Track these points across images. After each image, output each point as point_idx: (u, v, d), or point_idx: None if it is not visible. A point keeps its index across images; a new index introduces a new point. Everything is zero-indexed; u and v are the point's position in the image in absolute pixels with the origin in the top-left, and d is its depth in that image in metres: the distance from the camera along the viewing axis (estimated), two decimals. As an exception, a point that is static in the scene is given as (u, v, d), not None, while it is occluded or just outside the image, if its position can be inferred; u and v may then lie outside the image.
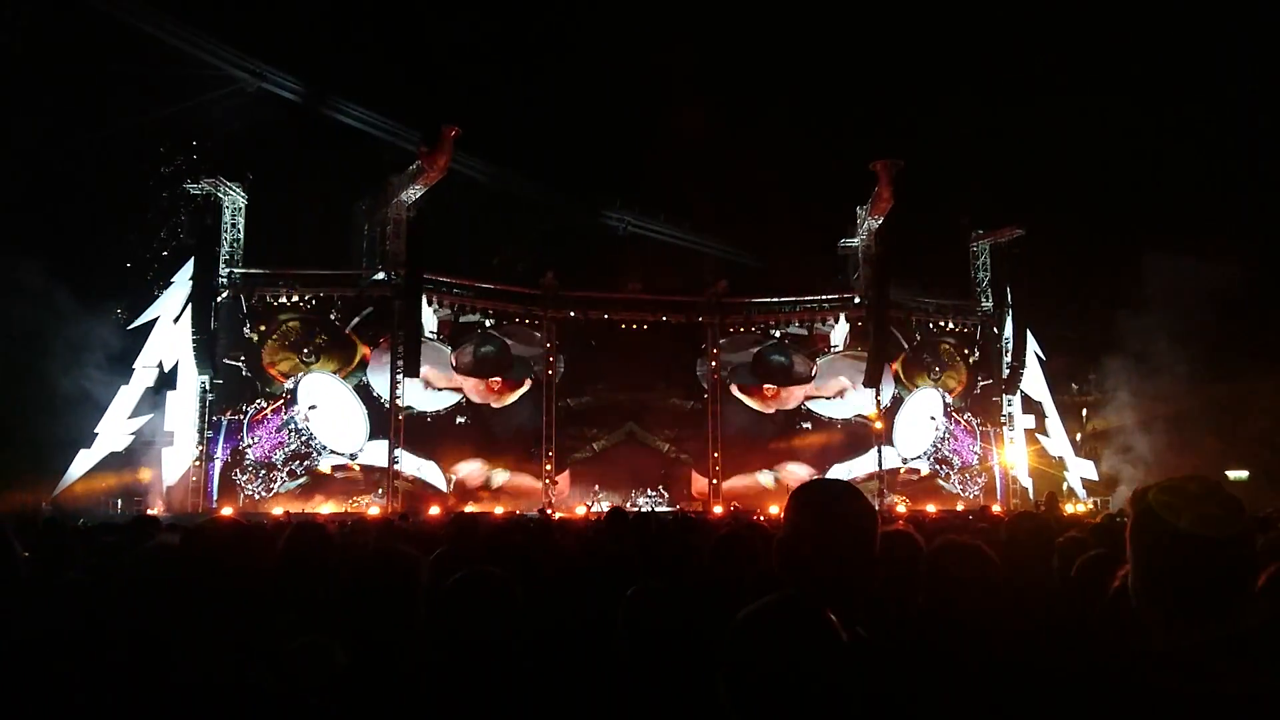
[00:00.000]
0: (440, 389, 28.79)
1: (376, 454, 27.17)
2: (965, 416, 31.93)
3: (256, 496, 25.73)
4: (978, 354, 32.39)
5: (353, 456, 27.03)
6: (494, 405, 29.62)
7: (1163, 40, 29.33)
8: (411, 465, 27.67)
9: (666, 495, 29.21)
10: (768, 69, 31.25)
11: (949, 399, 31.79)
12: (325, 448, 26.86)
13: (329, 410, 27.08)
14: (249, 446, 26.19)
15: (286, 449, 26.50)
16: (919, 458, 31.36)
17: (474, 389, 29.41)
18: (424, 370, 27.61)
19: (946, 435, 31.67)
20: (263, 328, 26.86)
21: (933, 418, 31.68)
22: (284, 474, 26.36)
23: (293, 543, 3.28)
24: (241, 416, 26.27)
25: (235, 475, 25.94)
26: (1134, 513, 1.89)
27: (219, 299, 26.26)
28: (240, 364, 26.53)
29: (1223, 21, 29.03)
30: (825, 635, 1.59)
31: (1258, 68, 29.24)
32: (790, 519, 2.27)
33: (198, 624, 2.51)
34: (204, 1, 26.86)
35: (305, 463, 26.66)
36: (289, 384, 26.78)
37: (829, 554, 2.20)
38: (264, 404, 26.52)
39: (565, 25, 31.17)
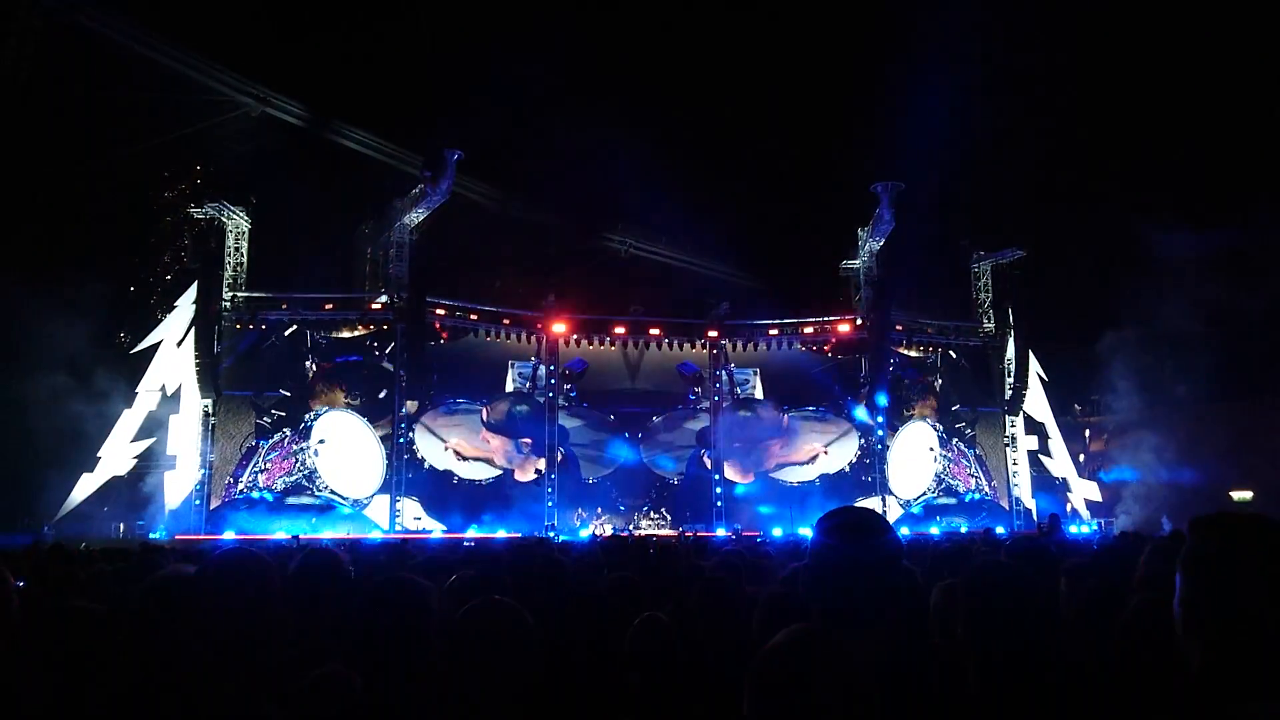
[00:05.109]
0: (469, 458, 28.43)
1: (382, 509, 26.83)
2: (955, 442, 31.67)
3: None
4: (940, 379, 32.15)
5: (358, 504, 26.70)
6: (519, 478, 28.98)
7: (1165, 55, 29.49)
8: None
9: (669, 518, 29.11)
10: (769, 91, 31.42)
11: (938, 426, 31.37)
12: (329, 488, 26.54)
13: (343, 452, 26.86)
14: (261, 472, 26.14)
15: (288, 480, 26.36)
16: (923, 496, 30.83)
17: (500, 453, 28.92)
18: (454, 440, 27.90)
19: (947, 467, 31.28)
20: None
21: (931, 449, 31.17)
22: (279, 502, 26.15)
23: (305, 569, 3.27)
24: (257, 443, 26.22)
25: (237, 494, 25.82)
26: (1193, 545, 1.89)
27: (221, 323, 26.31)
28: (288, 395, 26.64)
29: (1223, 35, 29.17)
30: (847, 668, 1.60)
31: (1261, 81, 29.37)
32: (815, 546, 2.25)
33: (210, 655, 2.50)
34: (208, 28, 27.09)
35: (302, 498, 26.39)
36: (310, 417, 26.64)
37: (853, 582, 2.19)
38: (286, 433, 26.46)
39: (566, 49, 31.34)
